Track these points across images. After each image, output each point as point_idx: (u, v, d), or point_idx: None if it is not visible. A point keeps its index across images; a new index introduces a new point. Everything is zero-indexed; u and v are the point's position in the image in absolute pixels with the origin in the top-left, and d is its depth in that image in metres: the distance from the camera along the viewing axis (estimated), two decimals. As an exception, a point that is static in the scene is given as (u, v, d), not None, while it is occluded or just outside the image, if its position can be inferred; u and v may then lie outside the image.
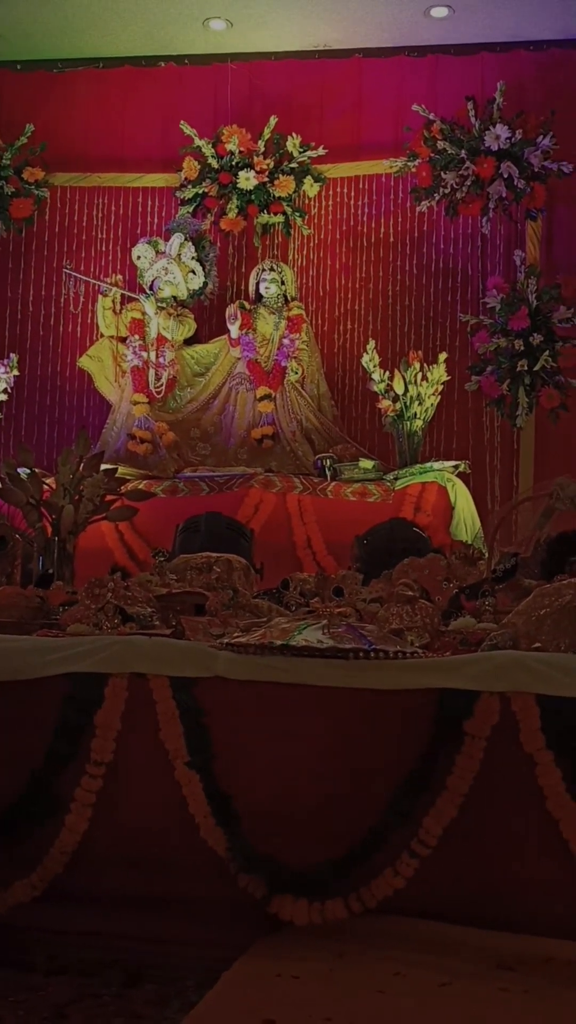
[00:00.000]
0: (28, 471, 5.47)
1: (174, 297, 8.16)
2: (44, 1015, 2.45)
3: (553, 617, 3.11)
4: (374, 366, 7.56)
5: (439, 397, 7.52)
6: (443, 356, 7.54)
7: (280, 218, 8.36)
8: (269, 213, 8.33)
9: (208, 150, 8.27)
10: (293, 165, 8.29)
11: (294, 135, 8.27)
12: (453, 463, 7.31)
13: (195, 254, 8.17)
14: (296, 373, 8.06)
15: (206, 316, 8.46)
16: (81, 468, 5.42)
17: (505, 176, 7.57)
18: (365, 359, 7.64)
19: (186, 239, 8.16)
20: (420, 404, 7.41)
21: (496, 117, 7.66)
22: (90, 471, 5.42)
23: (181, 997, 2.55)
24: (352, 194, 8.48)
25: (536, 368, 7.36)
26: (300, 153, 8.28)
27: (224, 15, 8.25)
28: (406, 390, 7.41)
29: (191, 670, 2.93)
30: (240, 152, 8.24)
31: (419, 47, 8.39)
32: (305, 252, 8.55)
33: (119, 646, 2.99)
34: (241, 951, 2.68)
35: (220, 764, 2.86)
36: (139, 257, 8.23)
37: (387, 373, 7.50)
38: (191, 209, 8.39)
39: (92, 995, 2.57)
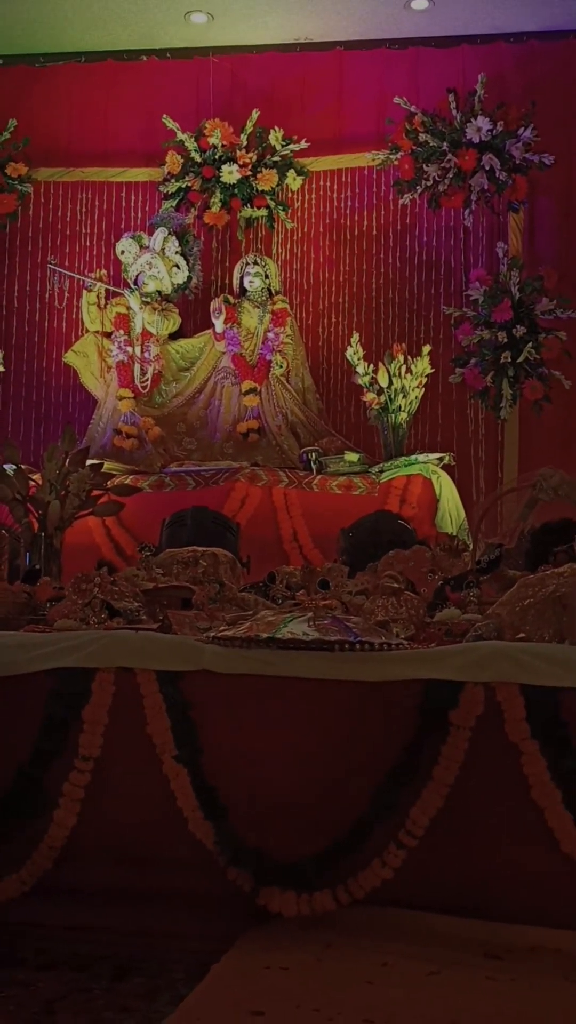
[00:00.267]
0: (14, 467, 5.47)
1: (158, 292, 8.15)
2: (34, 1010, 2.45)
3: (537, 607, 3.13)
4: (358, 359, 7.56)
5: (423, 390, 7.52)
6: (427, 349, 7.56)
7: (263, 212, 8.36)
8: (252, 207, 8.31)
9: (191, 144, 8.25)
10: (276, 158, 8.27)
11: (276, 128, 8.26)
12: (438, 455, 7.32)
13: (179, 248, 8.16)
14: (281, 367, 8.06)
15: (190, 310, 8.44)
16: (67, 464, 5.42)
17: (487, 168, 7.58)
18: (349, 352, 7.64)
19: (170, 233, 8.14)
20: (404, 397, 7.42)
21: (477, 109, 7.66)
22: (76, 467, 5.42)
23: (170, 990, 2.55)
24: (335, 187, 8.48)
25: (519, 360, 7.37)
26: (283, 146, 8.27)
27: (205, 8, 8.22)
28: (390, 383, 7.42)
29: (178, 664, 2.94)
30: (223, 146, 8.22)
31: (400, 39, 8.39)
32: (289, 246, 8.54)
33: (106, 641, 3.00)
34: (230, 944, 2.70)
35: (208, 757, 2.87)
36: (123, 252, 8.21)
37: (371, 366, 7.50)
38: (174, 203, 8.38)
39: (82, 989, 2.57)
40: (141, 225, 8.50)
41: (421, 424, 7.89)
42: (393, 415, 7.45)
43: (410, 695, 2.82)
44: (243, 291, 8.20)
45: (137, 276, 8.15)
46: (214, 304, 8.10)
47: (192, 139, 8.26)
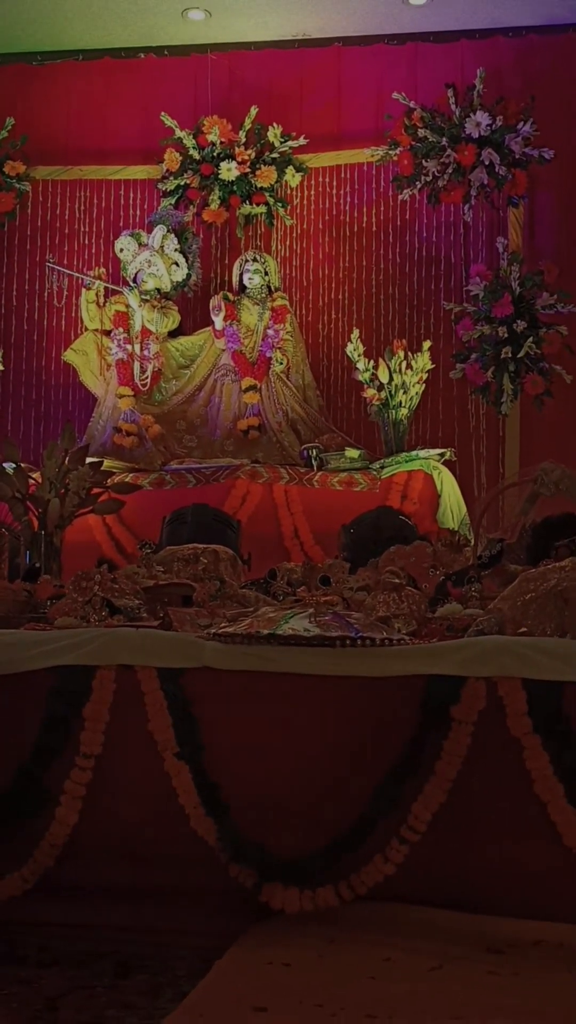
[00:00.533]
0: (14, 465, 5.47)
1: (157, 289, 8.14)
2: (36, 1007, 2.45)
3: (538, 602, 3.12)
4: (359, 355, 7.56)
5: (424, 385, 7.52)
6: (427, 344, 7.54)
7: (262, 208, 8.35)
8: (251, 204, 8.31)
9: (189, 141, 8.25)
10: (274, 155, 8.26)
11: (275, 125, 8.26)
12: (439, 451, 7.31)
13: (178, 246, 8.16)
14: (281, 364, 8.05)
15: (190, 308, 8.44)
16: (67, 462, 5.42)
17: (486, 163, 7.56)
18: (349, 348, 7.63)
19: (169, 231, 8.14)
20: (405, 393, 7.41)
21: (476, 104, 7.64)
22: (76, 465, 5.42)
23: (173, 987, 2.55)
24: (334, 183, 8.46)
25: (520, 355, 7.36)
26: (281, 143, 8.26)
27: (203, 5, 8.21)
28: (391, 379, 7.41)
29: (179, 661, 2.94)
30: (221, 143, 8.21)
31: (398, 35, 8.37)
32: (288, 242, 8.53)
33: (106, 638, 3.00)
34: (232, 940, 2.70)
35: (209, 754, 2.87)
36: (122, 250, 8.21)
37: (372, 362, 7.49)
38: (173, 201, 8.37)
39: (84, 987, 2.57)
40: (140, 223, 8.49)
41: (422, 420, 7.89)
42: (394, 411, 7.44)
43: (412, 690, 2.81)
44: (243, 288, 8.20)
45: (136, 274, 8.15)
46: (213, 301, 8.10)
47: (191, 136, 8.25)
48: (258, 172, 8.23)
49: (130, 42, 8.62)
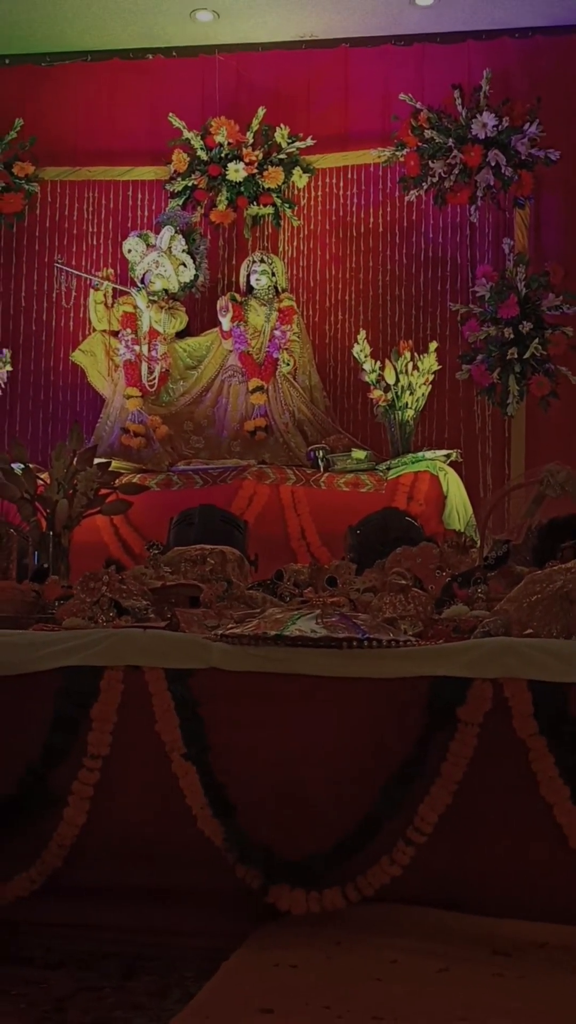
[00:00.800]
0: (22, 466, 5.48)
1: (165, 290, 8.15)
2: (44, 1008, 2.45)
3: (544, 603, 3.12)
4: (365, 356, 7.56)
5: (430, 386, 7.51)
6: (434, 345, 7.54)
7: (270, 209, 8.36)
8: (259, 205, 8.32)
9: (197, 142, 8.26)
10: (282, 156, 8.28)
11: (282, 126, 8.26)
12: (445, 452, 7.31)
13: (185, 247, 8.16)
14: (288, 364, 8.06)
15: (197, 309, 8.45)
16: (75, 462, 5.43)
17: (493, 164, 7.57)
18: (356, 349, 7.64)
19: (176, 232, 8.15)
20: (411, 394, 7.41)
21: (483, 105, 7.65)
22: (84, 465, 5.43)
23: (180, 988, 2.56)
24: (341, 184, 8.47)
25: (526, 356, 7.36)
26: (288, 144, 8.27)
27: (211, 6, 8.22)
28: (397, 380, 7.41)
29: (186, 662, 2.95)
30: (229, 144, 8.22)
31: (405, 36, 8.37)
32: (295, 243, 8.54)
33: (114, 639, 3.00)
34: (239, 941, 2.70)
35: (216, 755, 2.87)
36: (130, 251, 8.22)
37: (378, 363, 7.49)
38: (181, 202, 8.39)
39: (92, 987, 2.57)
40: (148, 224, 8.50)
41: (428, 421, 7.89)
42: (400, 412, 7.44)
43: (418, 692, 2.82)
44: (250, 289, 8.21)
45: (144, 275, 8.16)
46: (221, 302, 8.10)
47: (198, 137, 8.26)
48: (265, 173, 8.24)
49: (138, 43, 8.64)
